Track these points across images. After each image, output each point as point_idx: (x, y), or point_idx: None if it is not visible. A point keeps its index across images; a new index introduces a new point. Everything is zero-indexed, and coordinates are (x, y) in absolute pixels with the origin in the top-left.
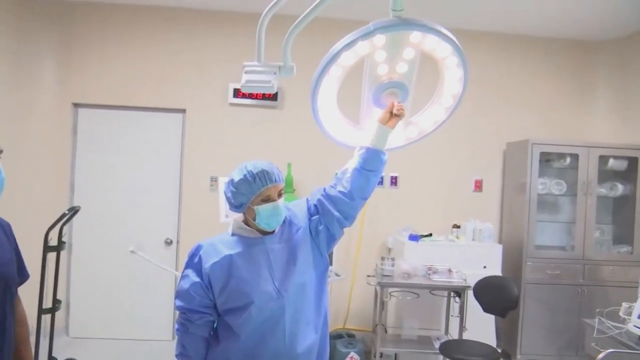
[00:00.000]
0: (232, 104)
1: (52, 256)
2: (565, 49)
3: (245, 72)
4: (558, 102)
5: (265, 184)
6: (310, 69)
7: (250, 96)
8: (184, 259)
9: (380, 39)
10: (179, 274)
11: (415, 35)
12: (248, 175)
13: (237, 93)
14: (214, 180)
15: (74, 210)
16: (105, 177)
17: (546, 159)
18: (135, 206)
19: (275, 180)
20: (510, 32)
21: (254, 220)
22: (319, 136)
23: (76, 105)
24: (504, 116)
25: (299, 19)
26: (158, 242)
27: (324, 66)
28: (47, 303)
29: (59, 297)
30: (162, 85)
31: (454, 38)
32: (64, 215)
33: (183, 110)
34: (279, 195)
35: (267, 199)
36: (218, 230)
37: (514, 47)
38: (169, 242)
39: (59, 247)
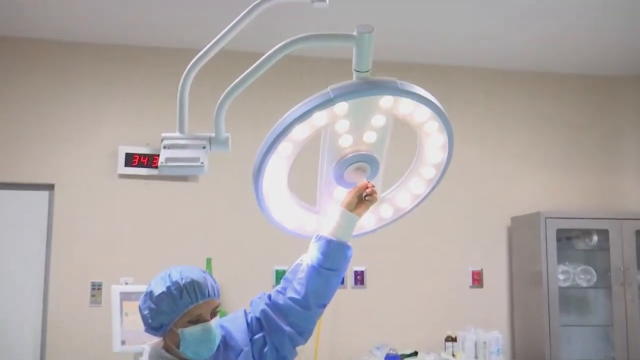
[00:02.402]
0: (122, 176)
1: None
2: (579, 87)
3: (164, 147)
4: (575, 160)
5: (196, 300)
6: (233, 123)
7: (150, 165)
8: None
9: (342, 107)
10: None
11: (385, 100)
12: (173, 288)
13: (131, 160)
14: (97, 287)
15: None
16: None
17: (566, 237)
18: None
19: (209, 295)
20: (509, 67)
21: (178, 348)
22: (249, 221)
23: None
24: (505, 182)
25: (234, 82)
26: None
27: (270, 144)
28: None
29: None
30: (18, 151)
31: (434, 100)
32: None
33: (50, 186)
34: (213, 314)
35: (197, 320)
36: None
37: (514, 84)
38: None
39: None
